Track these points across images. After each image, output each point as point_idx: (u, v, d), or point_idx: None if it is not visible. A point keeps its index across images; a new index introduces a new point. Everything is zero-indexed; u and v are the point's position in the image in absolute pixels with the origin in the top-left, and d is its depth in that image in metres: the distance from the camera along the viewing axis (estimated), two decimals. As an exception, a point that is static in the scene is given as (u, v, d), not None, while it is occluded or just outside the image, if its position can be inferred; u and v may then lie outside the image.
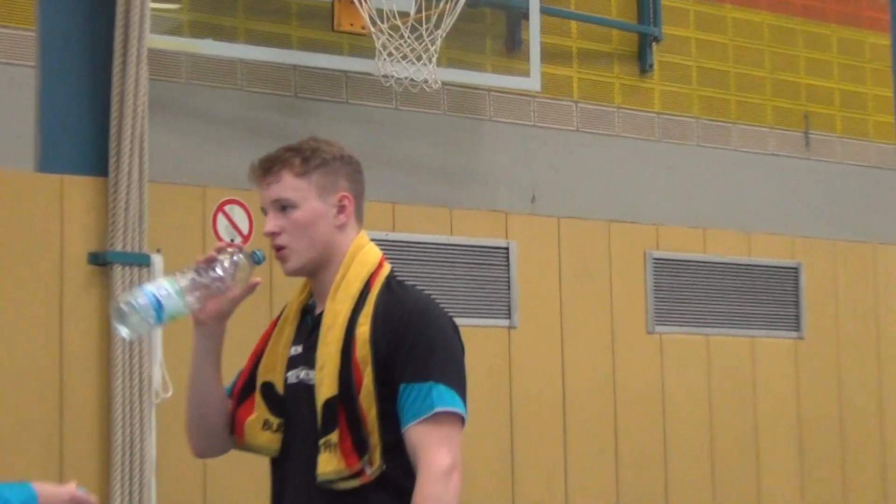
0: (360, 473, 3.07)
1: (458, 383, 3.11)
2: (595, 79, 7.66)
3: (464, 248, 7.10)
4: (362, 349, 3.09)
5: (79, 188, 6.13)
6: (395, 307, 3.12)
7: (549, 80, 7.32)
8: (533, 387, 7.23)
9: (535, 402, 7.23)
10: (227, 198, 6.43)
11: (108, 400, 6.06)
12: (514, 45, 7.31)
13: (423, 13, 6.42)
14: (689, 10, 8.00)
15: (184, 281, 3.14)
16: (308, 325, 3.24)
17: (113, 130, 6.13)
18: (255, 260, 3.19)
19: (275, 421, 3.22)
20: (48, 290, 6.03)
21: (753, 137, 8.18)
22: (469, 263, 7.12)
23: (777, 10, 8.29)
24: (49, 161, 6.09)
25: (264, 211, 3.25)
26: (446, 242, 7.06)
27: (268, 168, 3.20)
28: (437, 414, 3.05)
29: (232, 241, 2.82)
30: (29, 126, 6.08)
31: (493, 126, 7.29)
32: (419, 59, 6.41)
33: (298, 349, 3.22)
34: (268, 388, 3.24)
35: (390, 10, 6.34)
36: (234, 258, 3.16)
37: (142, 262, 6.11)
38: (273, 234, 3.19)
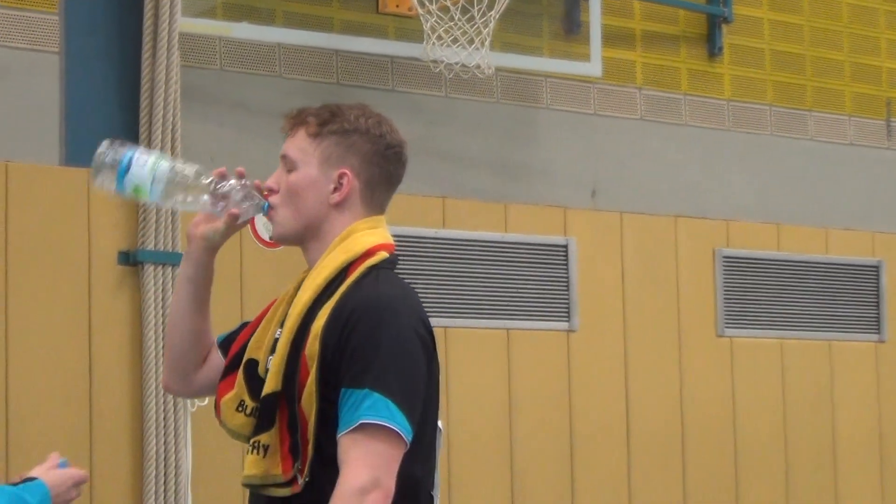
0: (292, 482, 2.92)
1: (402, 394, 2.87)
2: (660, 63, 7.61)
3: (520, 246, 7.05)
4: (313, 345, 2.92)
5: (107, 183, 6.04)
6: (352, 301, 2.93)
7: (610, 64, 7.31)
8: (594, 395, 7.18)
9: (596, 410, 7.19)
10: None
11: (140, 408, 6.07)
12: (573, 28, 7.25)
13: (476, -7, 6.50)
14: (762, -12, 8.10)
15: (186, 171, 3.08)
16: None
17: (143, 121, 6.11)
18: (263, 209, 3.09)
19: (250, 404, 3.04)
20: (76, 291, 6.01)
21: (831, 126, 8.13)
22: (525, 262, 7.05)
23: (856, -11, 8.46)
24: (75, 154, 6.03)
25: None
26: (501, 240, 7.00)
27: (292, 121, 3.10)
28: (363, 425, 2.83)
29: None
30: (53, 116, 6.06)
31: (550, 114, 7.24)
32: (471, 42, 6.42)
33: (280, 332, 3.05)
34: (251, 366, 3.07)
35: (440, -10, 6.44)
36: (247, 192, 3.08)
37: (175, 261, 6.05)
38: (270, 190, 3.09)
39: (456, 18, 6.36)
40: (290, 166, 3.05)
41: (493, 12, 6.41)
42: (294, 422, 2.91)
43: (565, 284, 7.11)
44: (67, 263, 5.96)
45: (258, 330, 3.09)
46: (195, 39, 6.29)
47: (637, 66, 7.51)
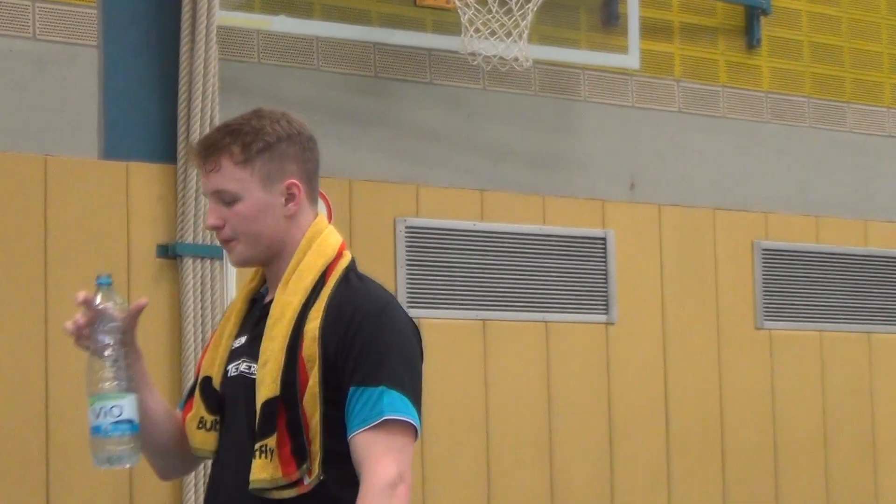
0: (297, 483, 2.94)
1: (413, 391, 2.98)
2: (698, 55, 7.60)
3: (558, 239, 7.02)
4: (310, 347, 2.95)
5: (146, 176, 6.08)
6: (350, 303, 2.99)
7: (648, 57, 7.27)
8: (632, 388, 7.15)
9: (635, 403, 7.16)
10: (304, 185, 6.28)
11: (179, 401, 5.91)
12: (611, 20, 7.23)
13: (513, -14, 6.42)
14: (800, -20, 8.08)
15: (113, 379, 3.03)
16: (255, 315, 3.12)
17: (181, 114, 6.08)
18: (105, 283, 3.07)
19: (209, 418, 3.08)
20: (115, 285, 5.84)
21: (870, 118, 8.10)
22: (563, 255, 7.03)
23: (895, -20, 8.40)
24: (113, 147, 6.04)
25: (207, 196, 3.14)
26: (539, 233, 6.97)
27: (206, 155, 3.05)
28: (386, 422, 2.91)
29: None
30: (92, 110, 6.02)
31: (588, 107, 7.22)
32: (508, 35, 6.38)
33: (242, 340, 3.08)
34: (206, 383, 3.10)
35: (478, -17, 6.37)
36: (100, 307, 3.05)
37: (214, 254, 6.04)
38: (216, 228, 3.07)
39: (494, 11, 6.32)
40: (230, 199, 3.03)
41: (530, 4, 6.37)
42: (297, 424, 2.93)
43: (604, 277, 7.10)
44: (106, 257, 5.92)
45: (209, 350, 3.13)
46: (233, 32, 6.28)
47: (675, 58, 7.49)
